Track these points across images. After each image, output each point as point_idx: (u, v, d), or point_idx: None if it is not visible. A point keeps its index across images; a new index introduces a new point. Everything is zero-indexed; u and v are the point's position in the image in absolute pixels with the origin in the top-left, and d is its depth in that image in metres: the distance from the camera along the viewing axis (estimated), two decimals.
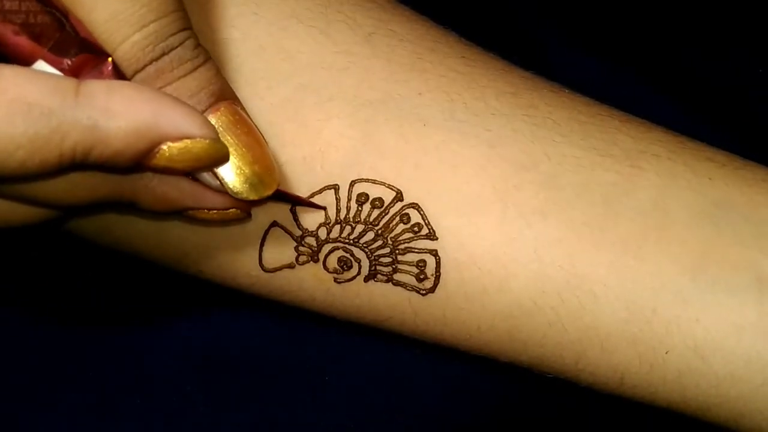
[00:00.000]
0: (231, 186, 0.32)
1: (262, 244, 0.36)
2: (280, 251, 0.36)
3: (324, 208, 0.35)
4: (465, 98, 0.36)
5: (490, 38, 0.39)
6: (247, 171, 0.32)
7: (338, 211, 0.35)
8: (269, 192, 0.32)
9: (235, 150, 0.32)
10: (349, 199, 0.35)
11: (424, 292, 0.36)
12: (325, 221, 0.35)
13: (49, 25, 0.29)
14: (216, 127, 0.31)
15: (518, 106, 0.36)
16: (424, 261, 0.35)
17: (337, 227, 0.36)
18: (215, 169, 0.32)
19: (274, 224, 0.36)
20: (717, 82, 0.46)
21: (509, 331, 0.35)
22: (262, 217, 0.36)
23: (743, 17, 0.47)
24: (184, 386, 0.42)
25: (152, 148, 0.29)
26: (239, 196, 0.32)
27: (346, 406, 0.42)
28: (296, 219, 0.36)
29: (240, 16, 0.36)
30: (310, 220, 0.36)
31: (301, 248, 0.36)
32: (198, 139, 0.30)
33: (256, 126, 0.33)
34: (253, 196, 0.32)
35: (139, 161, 0.29)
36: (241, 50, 0.36)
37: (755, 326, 0.33)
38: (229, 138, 0.31)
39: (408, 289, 0.36)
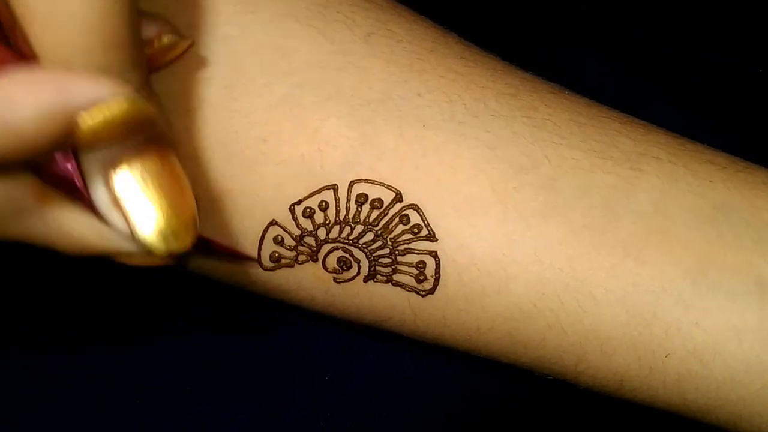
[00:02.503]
0: (141, 236, 0.30)
1: (260, 243, 0.36)
2: (279, 250, 0.36)
3: (255, 260, 0.35)
4: (464, 99, 0.35)
5: (490, 38, 0.39)
6: (162, 223, 0.30)
7: (337, 211, 0.35)
8: (180, 248, 0.31)
9: (155, 200, 0.30)
10: (348, 200, 0.35)
11: (423, 293, 0.36)
12: (325, 221, 0.35)
13: None
14: (140, 171, 0.30)
15: (518, 107, 0.36)
16: (423, 262, 0.35)
17: (337, 227, 0.35)
18: (129, 215, 0.30)
19: (273, 223, 0.36)
20: (717, 82, 0.46)
21: (509, 333, 0.35)
22: (261, 215, 0.36)
23: (743, 18, 0.47)
24: (184, 386, 0.42)
25: (70, 125, 0.27)
26: (149, 248, 0.30)
27: (346, 406, 0.42)
28: (295, 218, 0.36)
29: (237, 14, 0.36)
30: (310, 219, 0.36)
31: (300, 248, 0.36)
32: (113, 102, 0.27)
33: (185, 178, 0.31)
34: (161, 250, 0.30)
35: (62, 143, 0.27)
36: (238, 47, 0.36)
37: (756, 330, 0.33)
38: (150, 186, 0.30)
39: (407, 290, 0.36)
